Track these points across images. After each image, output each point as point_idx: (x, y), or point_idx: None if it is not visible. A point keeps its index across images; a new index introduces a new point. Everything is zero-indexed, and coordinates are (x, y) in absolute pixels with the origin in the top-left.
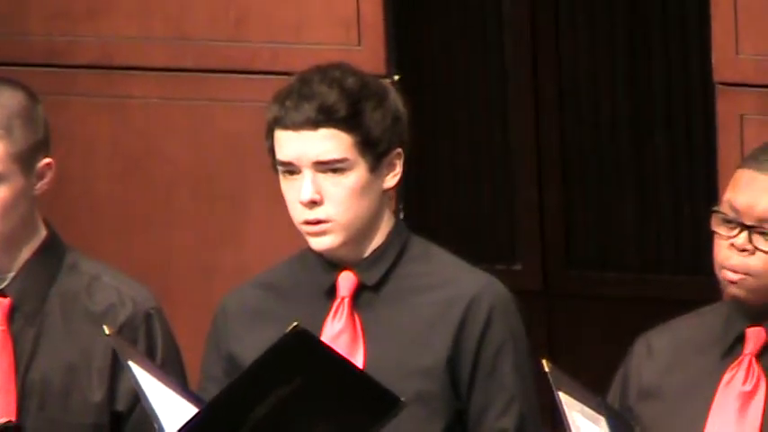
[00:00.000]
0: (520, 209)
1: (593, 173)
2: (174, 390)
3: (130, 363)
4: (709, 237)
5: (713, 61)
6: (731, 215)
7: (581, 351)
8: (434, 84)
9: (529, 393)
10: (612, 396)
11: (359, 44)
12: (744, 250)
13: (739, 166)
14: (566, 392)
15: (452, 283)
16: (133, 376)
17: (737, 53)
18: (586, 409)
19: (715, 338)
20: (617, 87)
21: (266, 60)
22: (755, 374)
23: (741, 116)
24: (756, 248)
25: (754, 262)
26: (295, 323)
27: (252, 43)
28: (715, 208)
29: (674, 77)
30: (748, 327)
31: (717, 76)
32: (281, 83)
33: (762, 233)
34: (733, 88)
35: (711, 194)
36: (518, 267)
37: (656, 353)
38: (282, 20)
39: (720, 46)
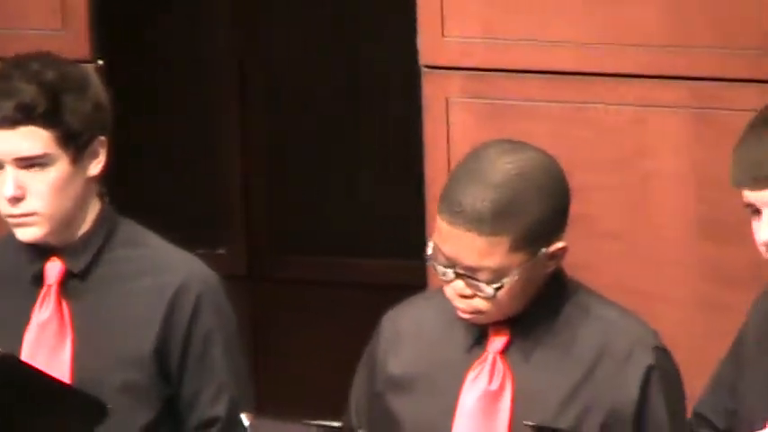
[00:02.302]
0: (224, 192)
1: (299, 155)
2: None
3: None
4: (413, 220)
5: (419, 44)
6: (442, 261)
7: (287, 337)
8: (141, 66)
9: (241, 378)
10: (359, 379)
11: (63, 29)
12: (464, 296)
13: (438, 208)
14: None
15: (160, 270)
16: None
17: (443, 36)
18: None
19: (461, 328)
20: (324, 68)
21: None
22: (501, 372)
23: (447, 99)
24: (475, 294)
25: (478, 303)
26: None
27: None
28: (429, 252)
29: (380, 59)
30: (492, 323)
31: (423, 60)
32: None
33: (475, 284)
34: (439, 71)
35: (418, 178)
36: (222, 252)
37: (403, 337)
38: None
39: (426, 29)
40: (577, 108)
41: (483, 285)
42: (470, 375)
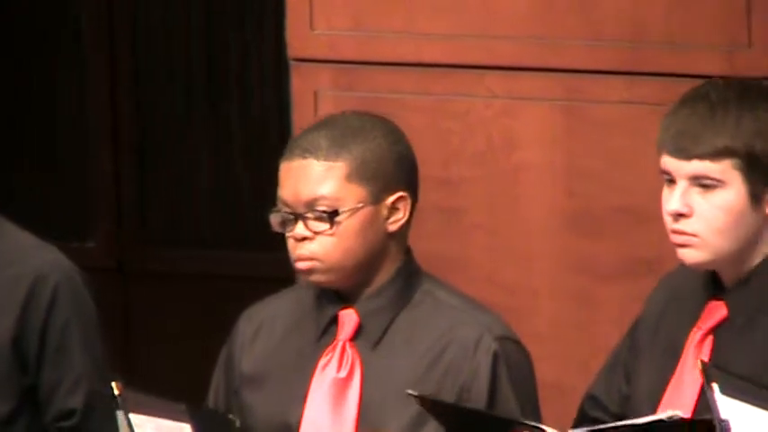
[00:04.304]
0: (94, 185)
1: (168, 149)
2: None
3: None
4: None
5: (288, 37)
6: (285, 210)
7: (158, 330)
8: (7, 53)
9: (99, 370)
10: (217, 377)
11: None
12: (304, 239)
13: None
14: (137, 413)
15: (18, 260)
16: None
17: (312, 29)
18: (165, 422)
19: (310, 319)
20: (192, 63)
21: None
22: (350, 360)
23: (315, 92)
24: (315, 233)
25: (315, 246)
26: None
27: None
28: (273, 209)
29: (248, 53)
30: (341, 309)
31: (291, 53)
32: None
33: (315, 218)
34: (307, 64)
35: None
36: (92, 245)
37: (257, 335)
38: None
39: (295, 22)
40: (446, 100)
41: (321, 223)
42: (320, 364)
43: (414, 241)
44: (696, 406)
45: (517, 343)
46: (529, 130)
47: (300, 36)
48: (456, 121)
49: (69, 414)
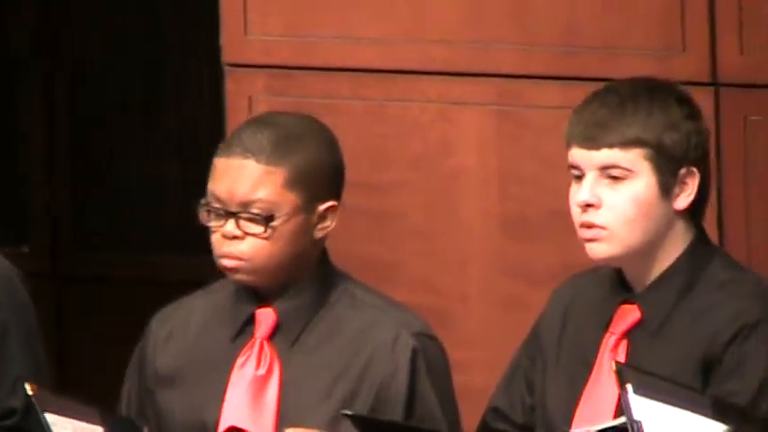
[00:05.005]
0: (27, 188)
1: (103, 153)
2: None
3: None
4: None
5: (222, 42)
6: (217, 205)
7: (91, 335)
8: None
9: (39, 370)
10: (130, 378)
11: None
12: (234, 237)
13: (215, 156)
14: (53, 413)
15: None
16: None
17: (246, 34)
18: (79, 424)
19: (226, 318)
20: (126, 67)
21: None
22: (268, 358)
23: (250, 97)
24: (246, 233)
25: (246, 246)
26: None
27: None
28: (202, 201)
29: (182, 58)
30: (258, 308)
31: (226, 58)
32: None
33: (248, 218)
34: (242, 69)
35: None
36: (26, 250)
37: (171, 334)
38: None
39: (229, 27)
40: (380, 105)
41: (254, 225)
42: (238, 362)
43: (349, 245)
44: (616, 411)
45: (434, 339)
46: (464, 135)
47: (235, 41)
48: (391, 125)
49: (10, 413)
